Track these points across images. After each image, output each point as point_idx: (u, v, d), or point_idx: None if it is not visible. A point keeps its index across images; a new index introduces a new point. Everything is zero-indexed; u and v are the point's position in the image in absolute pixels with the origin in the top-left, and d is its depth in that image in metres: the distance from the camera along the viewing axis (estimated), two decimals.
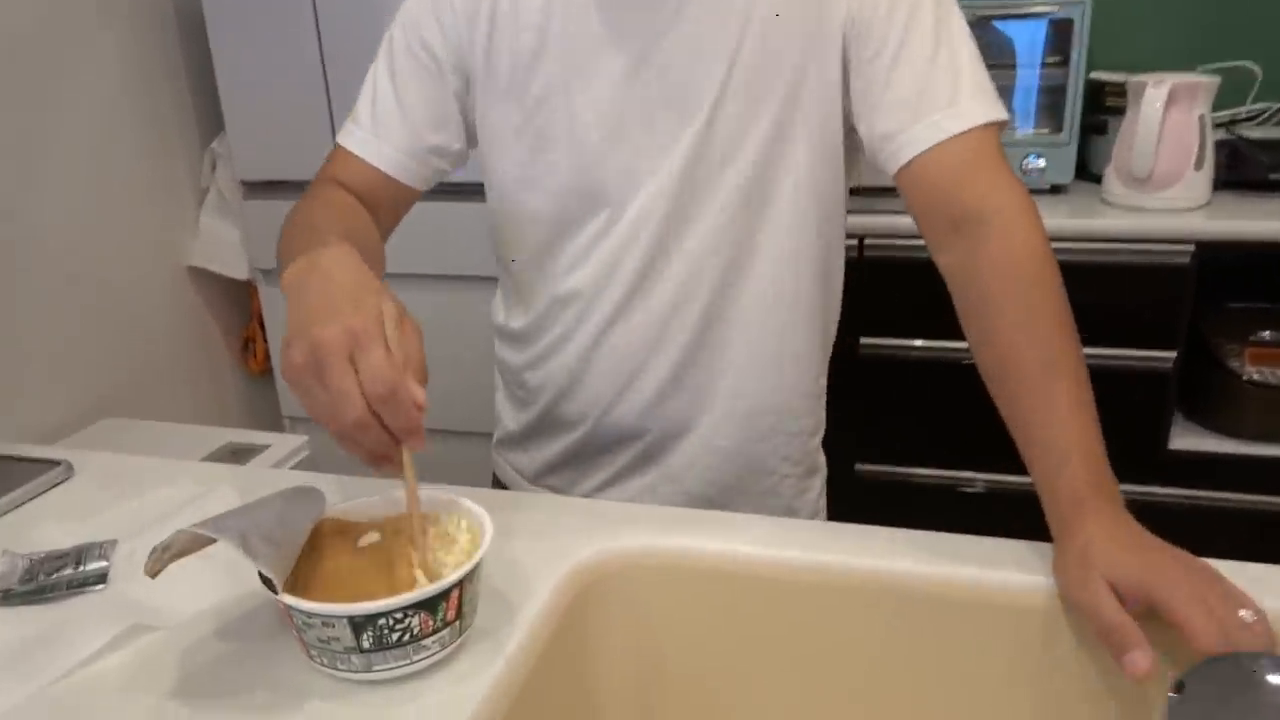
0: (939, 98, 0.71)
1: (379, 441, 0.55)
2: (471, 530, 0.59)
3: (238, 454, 1.53)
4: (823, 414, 0.91)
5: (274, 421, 1.99)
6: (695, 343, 0.82)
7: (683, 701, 0.70)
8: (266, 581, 0.52)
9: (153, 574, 0.53)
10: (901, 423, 1.64)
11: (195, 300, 1.85)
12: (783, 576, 0.66)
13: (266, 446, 1.53)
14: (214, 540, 0.53)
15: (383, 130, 0.82)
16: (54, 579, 0.65)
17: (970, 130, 0.71)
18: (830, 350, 0.89)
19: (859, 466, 1.67)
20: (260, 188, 1.78)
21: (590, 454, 0.89)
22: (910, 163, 0.72)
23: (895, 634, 0.66)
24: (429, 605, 0.52)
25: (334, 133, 1.70)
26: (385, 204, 0.84)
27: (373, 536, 0.58)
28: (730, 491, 0.87)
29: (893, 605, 0.65)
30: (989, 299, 0.69)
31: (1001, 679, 0.65)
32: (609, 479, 0.89)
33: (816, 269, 0.82)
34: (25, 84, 1.46)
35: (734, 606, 0.68)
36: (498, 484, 0.99)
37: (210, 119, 1.82)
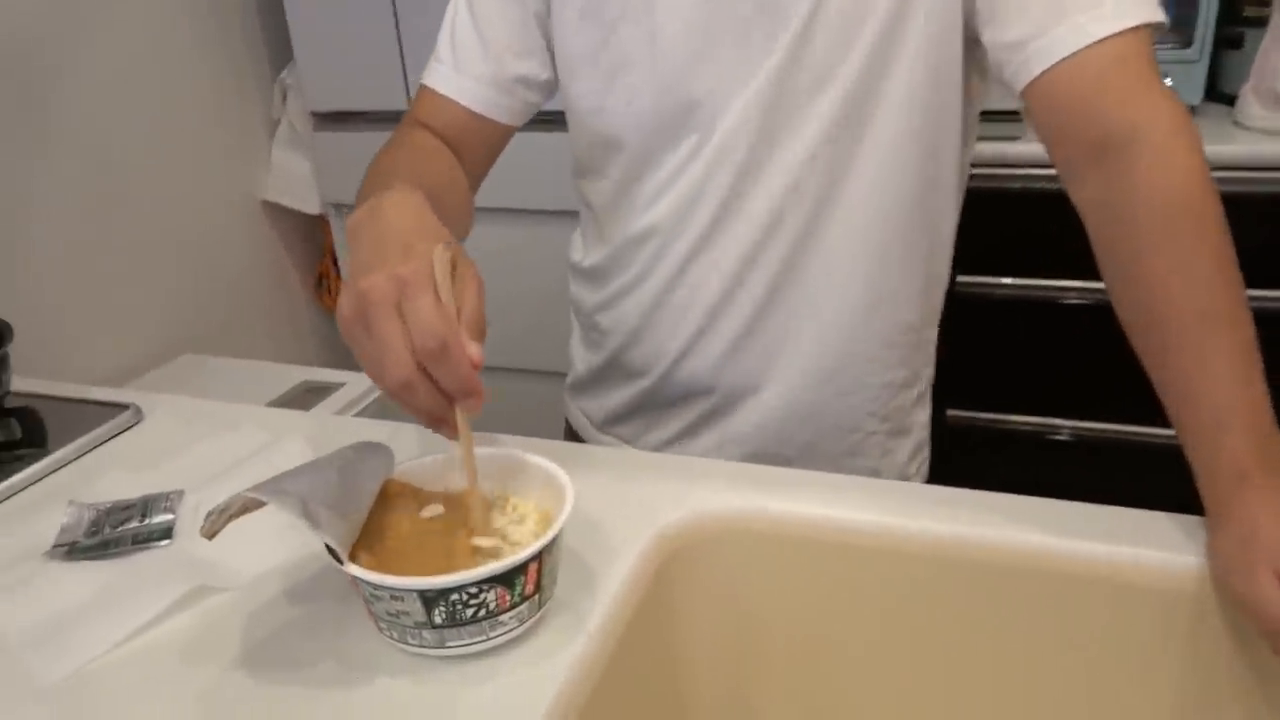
0: None
1: (431, 402, 0.49)
2: (550, 493, 0.54)
3: (312, 392, 1.51)
4: (925, 368, 0.83)
5: (349, 359, 1.97)
6: (775, 284, 0.74)
7: (775, 677, 0.65)
8: (331, 549, 0.48)
9: (209, 536, 0.49)
10: (991, 366, 1.54)
11: (269, 235, 1.83)
12: (889, 545, 0.60)
13: (341, 385, 1.51)
14: (262, 503, 0.49)
15: (464, 64, 0.76)
16: (119, 532, 0.63)
17: (1119, 34, 0.60)
18: (938, 297, 0.81)
19: (949, 412, 1.58)
20: (330, 119, 1.74)
21: (659, 405, 0.83)
22: (1044, 74, 0.62)
23: (1014, 614, 0.59)
24: (505, 579, 0.48)
25: (404, 62, 1.65)
26: (474, 144, 0.78)
27: (436, 509, 0.53)
28: (809, 450, 0.80)
29: (1014, 582, 0.58)
30: (1138, 237, 0.59)
31: (1135, 670, 0.58)
32: (679, 433, 0.83)
33: (920, 203, 0.73)
34: (95, 19, 1.43)
35: (835, 576, 0.62)
36: (569, 430, 0.94)
37: (280, 49, 1.77)
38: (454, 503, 0.54)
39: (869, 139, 0.70)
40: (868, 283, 0.75)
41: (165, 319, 1.59)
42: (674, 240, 0.76)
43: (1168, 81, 1.43)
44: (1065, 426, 1.53)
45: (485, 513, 0.53)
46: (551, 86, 0.79)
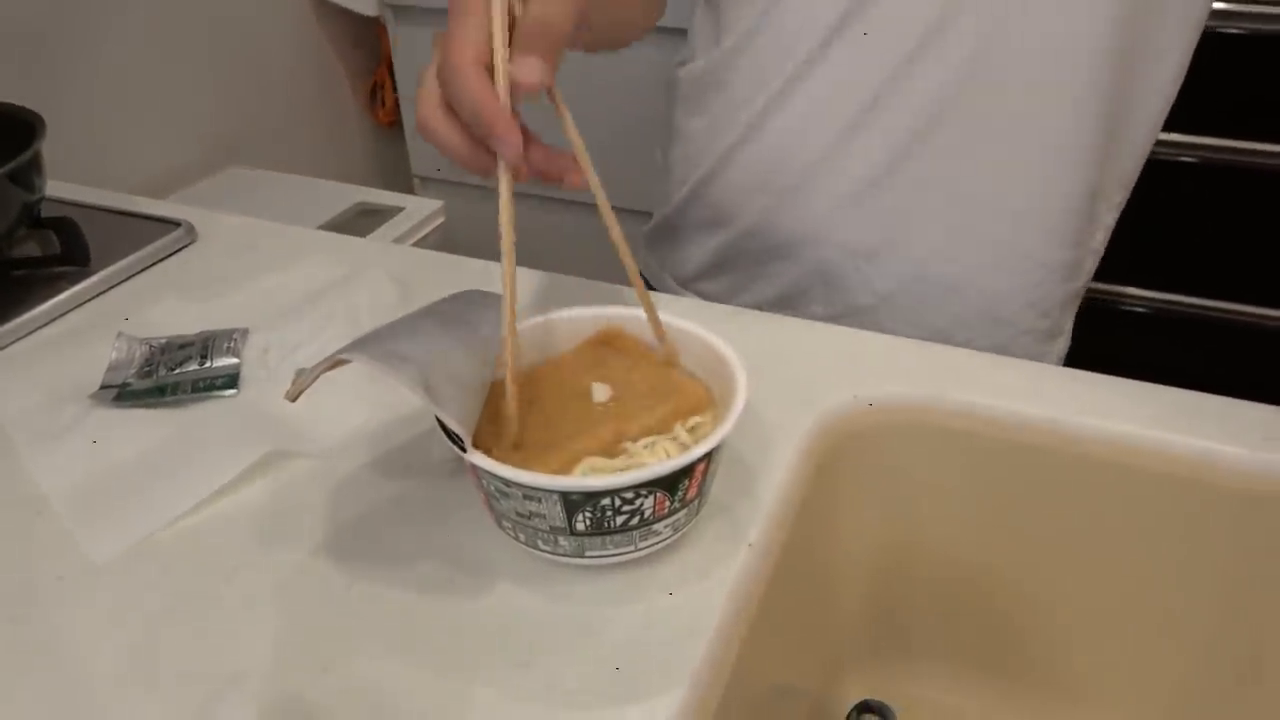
0: None
1: (456, 145, 0.39)
2: (713, 373, 0.43)
3: (368, 214, 1.40)
4: (1090, 259, 0.68)
5: (403, 180, 1.84)
6: (931, 114, 0.60)
7: (931, 591, 0.56)
8: (449, 432, 0.38)
9: (293, 398, 0.39)
10: (1157, 236, 1.35)
11: (320, 38, 1.66)
12: (1096, 451, 0.49)
13: (399, 209, 1.39)
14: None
15: None
16: (177, 375, 0.53)
17: None
18: (1130, 171, 0.65)
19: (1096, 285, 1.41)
20: None
21: (750, 261, 0.70)
22: None
23: (1211, 532, 0.48)
24: (668, 483, 0.37)
25: None
26: None
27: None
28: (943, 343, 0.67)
29: (1211, 497, 0.47)
30: None
31: None
32: (775, 300, 0.71)
33: (1120, 24, 0.58)
34: None
35: (1018, 479, 0.51)
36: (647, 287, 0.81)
37: None
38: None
39: None
40: (1048, 131, 0.60)
41: (208, 126, 1.46)
42: (810, 28, 0.60)
43: None
44: (1235, 310, 1.35)
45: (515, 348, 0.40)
46: None
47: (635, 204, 1.34)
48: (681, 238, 0.75)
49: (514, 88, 0.38)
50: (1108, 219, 0.67)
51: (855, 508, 0.53)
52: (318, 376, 0.38)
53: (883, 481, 0.52)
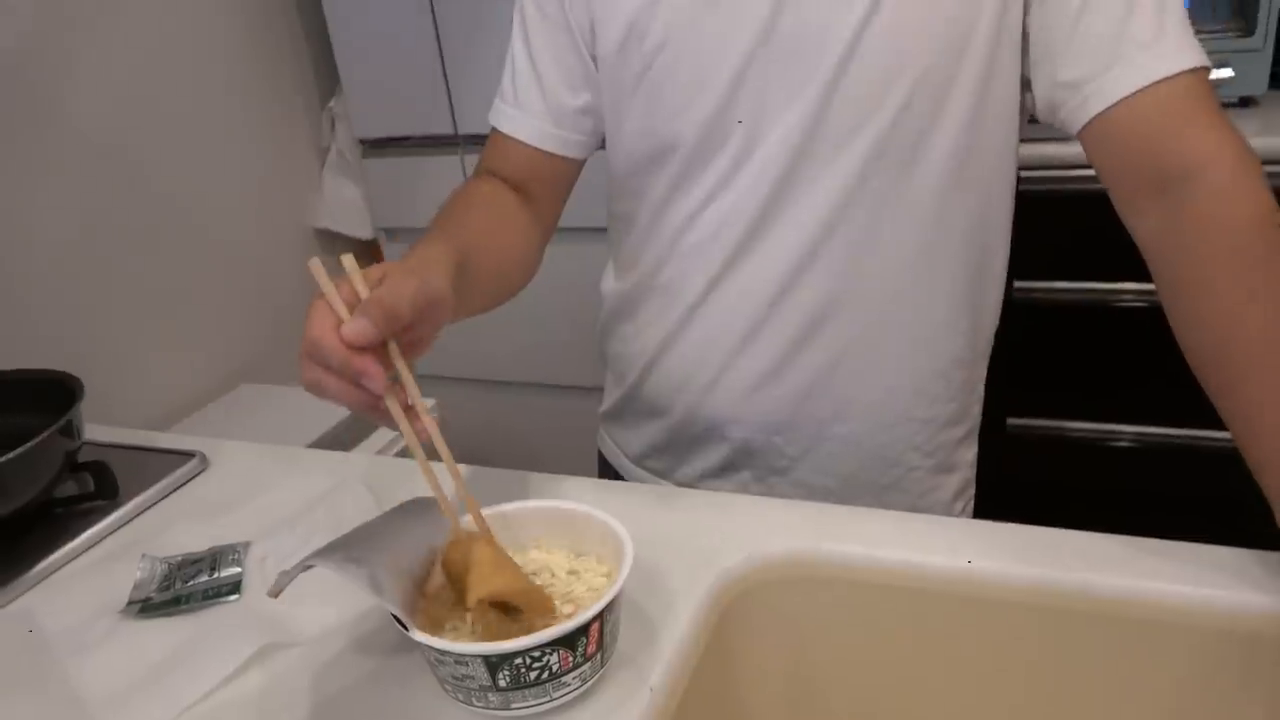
0: (1142, 35, 0.60)
1: (340, 393, 0.51)
2: (608, 548, 0.54)
3: (358, 420, 1.53)
4: (973, 406, 0.81)
5: None
6: (813, 317, 0.73)
7: None
8: (397, 618, 0.48)
9: (275, 594, 0.50)
10: (1049, 372, 1.51)
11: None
12: (959, 588, 0.59)
13: None
14: None
15: (524, 101, 0.77)
16: (190, 587, 0.64)
17: (1179, 75, 0.59)
18: (988, 332, 0.78)
19: (1009, 421, 1.55)
20: (378, 145, 1.76)
21: (689, 439, 0.82)
22: (1103, 113, 0.61)
23: (1086, 657, 0.57)
24: (568, 641, 0.48)
25: (448, 87, 1.67)
26: (543, 180, 0.79)
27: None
28: (850, 481, 0.78)
29: (1086, 624, 0.57)
30: (1205, 269, 0.57)
31: (1217, 716, 0.56)
32: (715, 467, 0.82)
33: (970, 239, 0.71)
34: (153, 55, 1.46)
35: (900, 620, 0.61)
36: (602, 461, 0.93)
37: (327, 79, 1.80)
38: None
39: (916, 175, 0.68)
40: (913, 317, 0.73)
41: (222, 351, 1.63)
42: (706, 265, 0.74)
43: (1228, 71, 1.39)
44: (1126, 432, 1.49)
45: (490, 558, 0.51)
46: None
47: (581, 382, 1.47)
48: (627, 425, 0.88)
49: (348, 341, 0.50)
50: (977, 373, 0.79)
51: (755, 654, 0.62)
52: (294, 578, 0.49)
53: (778, 628, 0.62)
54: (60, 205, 1.33)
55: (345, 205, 1.82)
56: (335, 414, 1.51)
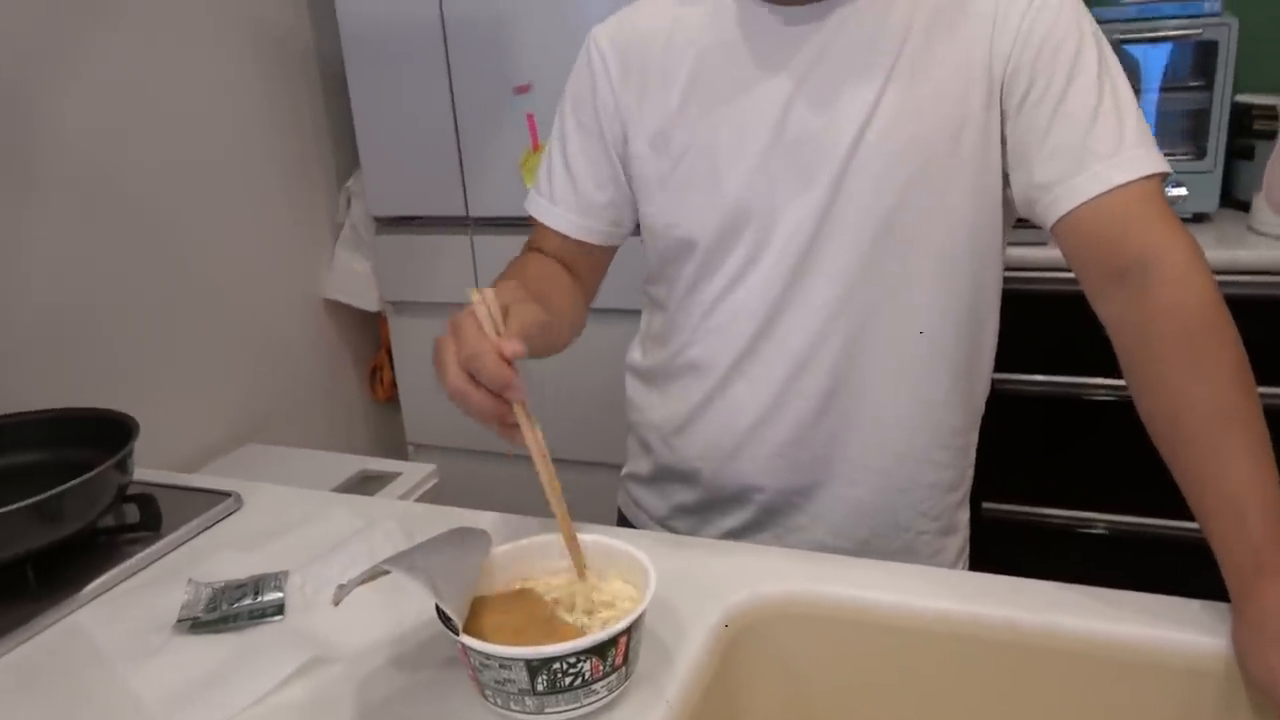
0: (1103, 147, 0.70)
1: (484, 403, 0.61)
2: (634, 575, 0.60)
3: (369, 481, 1.58)
4: (968, 469, 0.89)
5: (398, 448, 2.06)
6: (827, 390, 0.81)
7: None
8: (445, 620, 0.54)
9: (337, 602, 0.56)
10: (1024, 462, 1.59)
11: (329, 330, 1.94)
12: (940, 629, 0.65)
13: (397, 474, 1.59)
14: (387, 572, 0.56)
15: (557, 196, 0.88)
16: (235, 608, 0.69)
17: (1134, 181, 0.69)
18: (981, 401, 0.87)
19: (984, 505, 1.63)
20: (391, 223, 1.86)
21: (713, 504, 0.89)
22: (1070, 212, 0.70)
23: (1058, 694, 0.64)
24: (600, 650, 0.54)
25: (463, 171, 1.77)
26: (580, 263, 0.90)
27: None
28: (865, 548, 0.85)
29: (1058, 664, 0.63)
30: (1159, 349, 0.66)
31: None
32: (735, 529, 0.89)
33: (969, 313, 0.81)
34: (183, 125, 1.56)
35: (887, 658, 0.67)
36: (622, 520, 1.00)
37: (347, 158, 1.91)
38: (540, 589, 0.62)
39: (919, 254, 0.77)
40: (919, 389, 0.81)
41: (232, 409, 1.68)
42: (730, 346, 0.83)
43: (1182, 190, 1.52)
44: (1098, 520, 1.57)
45: (560, 499, 0.63)
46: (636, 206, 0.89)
47: (603, 458, 1.54)
48: (652, 490, 0.94)
49: (509, 357, 0.60)
50: (971, 438, 0.88)
51: (758, 681, 0.68)
52: (353, 589, 0.55)
53: (777, 659, 0.68)
54: (82, 259, 1.40)
55: (354, 278, 1.90)
56: (339, 474, 1.56)
